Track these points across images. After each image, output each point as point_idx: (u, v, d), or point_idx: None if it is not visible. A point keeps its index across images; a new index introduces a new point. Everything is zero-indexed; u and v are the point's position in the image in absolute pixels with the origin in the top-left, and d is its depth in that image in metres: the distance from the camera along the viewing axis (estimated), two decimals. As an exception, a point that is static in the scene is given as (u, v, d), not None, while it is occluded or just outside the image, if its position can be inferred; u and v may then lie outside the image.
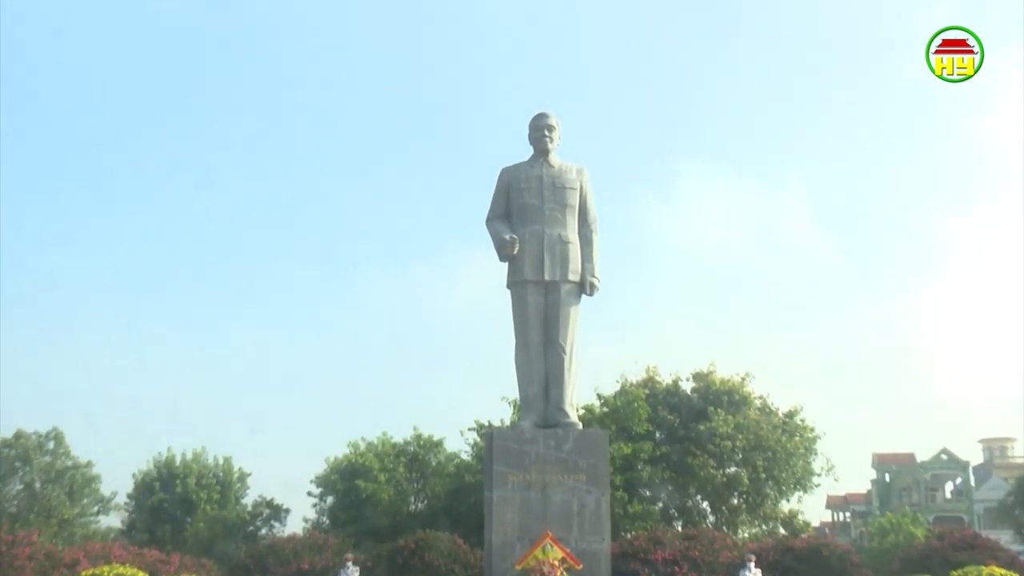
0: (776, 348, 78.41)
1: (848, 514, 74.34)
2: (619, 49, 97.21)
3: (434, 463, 37.78)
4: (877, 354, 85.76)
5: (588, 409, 31.47)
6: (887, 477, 69.28)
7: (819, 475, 35.09)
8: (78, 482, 44.30)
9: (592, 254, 12.48)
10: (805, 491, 35.00)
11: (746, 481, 32.68)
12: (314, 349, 77.15)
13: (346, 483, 36.85)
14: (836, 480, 36.96)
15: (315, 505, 40.14)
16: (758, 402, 35.27)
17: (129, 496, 45.41)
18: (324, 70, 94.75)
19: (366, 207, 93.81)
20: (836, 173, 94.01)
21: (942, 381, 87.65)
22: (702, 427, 32.72)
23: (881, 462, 68.74)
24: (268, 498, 43.20)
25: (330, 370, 75.59)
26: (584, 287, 12.37)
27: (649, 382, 35.36)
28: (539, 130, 12.65)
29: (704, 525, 31.13)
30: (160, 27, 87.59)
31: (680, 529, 27.06)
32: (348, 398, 72.44)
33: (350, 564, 20.82)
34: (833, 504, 72.16)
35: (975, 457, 69.81)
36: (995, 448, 69.13)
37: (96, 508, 45.56)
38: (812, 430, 35.08)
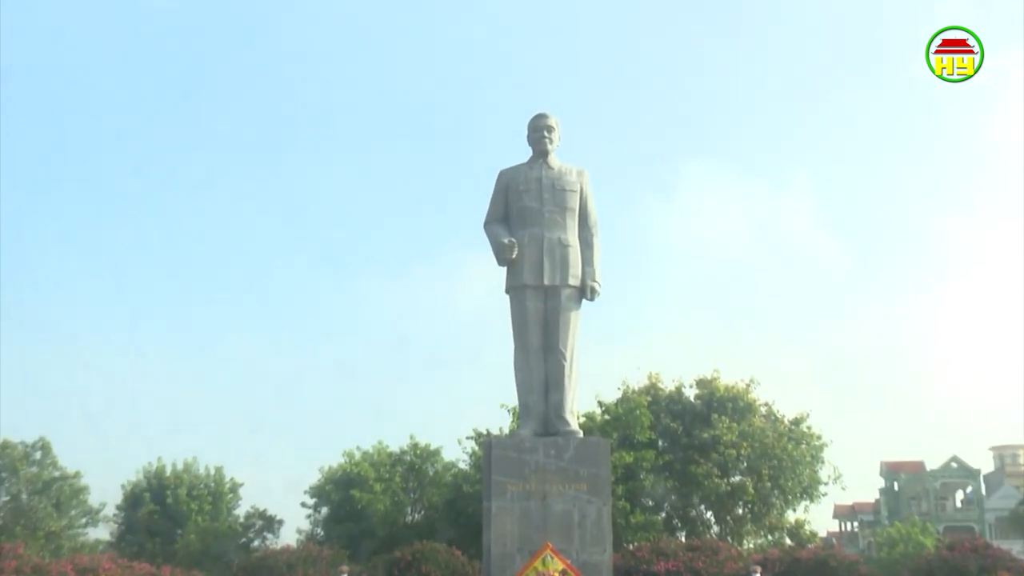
0: (782, 353, 78.47)
1: (856, 524, 74.28)
2: (619, 48, 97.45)
3: (431, 472, 37.76)
4: (885, 359, 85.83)
5: (589, 417, 31.45)
6: (896, 486, 69.25)
7: (826, 484, 35.13)
8: (66, 493, 44.18)
9: (593, 258, 12.47)
10: (812, 500, 35.01)
11: (751, 490, 32.66)
12: (307, 356, 77.12)
13: (341, 493, 36.83)
14: (843, 489, 37.04)
15: (309, 516, 40.21)
16: (763, 409, 35.28)
17: (118, 507, 45.33)
18: (323, 72, 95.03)
19: (364, 212, 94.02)
20: (842, 173, 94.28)
21: (952, 387, 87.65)
22: (706, 435, 32.71)
23: (890, 470, 68.69)
24: (261, 509, 43.22)
25: (324, 377, 75.70)
26: (585, 292, 12.36)
27: (651, 389, 35.34)
28: (538, 131, 12.65)
29: (708, 535, 31.09)
30: (160, 28, 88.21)
31: (683, 540, 27.01)
32: (343, 406, 72.42)
33: (345, 576, 20.77)
34: (840, 514, 72.08)
35: (986, 465, 69.79)
36: (1007, 456, 69.05)
37: (84, 520, 45.43)
38: (819, 438, 35.11)
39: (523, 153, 12.87)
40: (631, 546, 23.93)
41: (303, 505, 39.87)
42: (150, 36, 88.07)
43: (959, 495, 69.21)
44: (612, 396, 33.74)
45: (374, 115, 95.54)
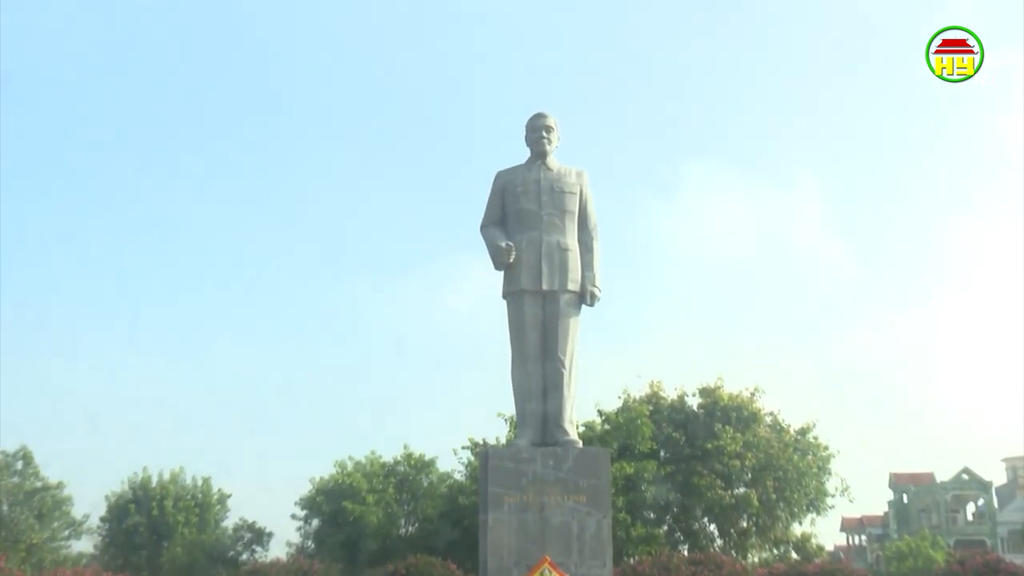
0: (788, 361, 78.55)
1: (864, 537, 74.32)
2: (620, 46, 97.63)
3: (426, 484, 37.78)
4: (894, 367, 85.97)
5: (589, 426, 31.47)
6: (905, 498, 69.28)
7: (833, 496, 35.17)
8: (48, 504, 44.09)
9: (592, 262, 12.44)
10: (818, 513, 35.05)
11: (756, 502, 32.66)
12: (298, 363, 77.10)
13: (332, 505, 36.78)
14: (851, 501, 36.96)
15: (299, 528, 40.13)
16: (768, 419, 35.30)
17: (102, 519, 45.27)
18: (323, 72, 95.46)
19: (358, 218, 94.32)
20: (850, 174, 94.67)
21: (964, 396, 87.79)
22: (709, 445, 32.71)
23: (899, 482, 68.73)
24: (249, 521, 43.15)
25: (315, 385, 75.53)
26: (584, 297, 12.33)
27: (653, 397, 35.36)
28: (536, 131, 12.61)
29: (712, 549, 31.10)
30: (161, 29, 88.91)
31: (686, 554, 27.00)
32: (335, 414, 72.33)
33: (336, 591, 20.78)
34: (848, 527, 72.10)
35: (998, 477, 69.85)
36: (1019, 467, 69.06)
37: (67, 532, 45.34)
38: (826, 448, 35.15)
39: (520, 154, 12.87)
40: (632, 560, 23.93)
41: (293, 517, 39.84)
42: (150, 37, 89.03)
43: (970, 508, 69.23)
44: (612, 405, 33.81)
45: (373, 115, 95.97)
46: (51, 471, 44.94)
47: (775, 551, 34.18)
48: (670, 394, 35.75)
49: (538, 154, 12.61)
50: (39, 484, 44.40)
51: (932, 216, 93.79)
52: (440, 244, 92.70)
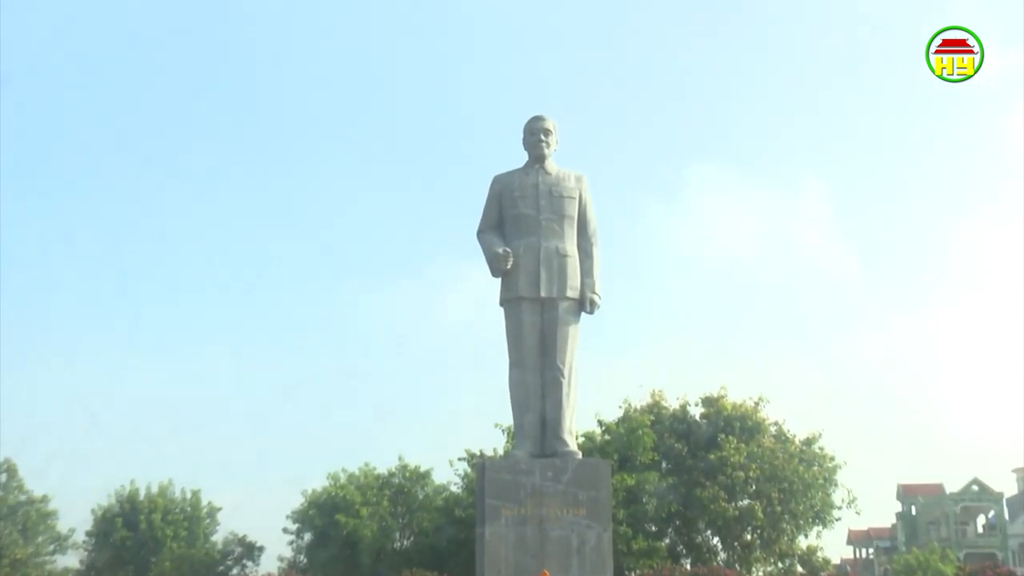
0: (793, 370, 78.48)
1: (871, 550, 74.28)
2: (620, 47, 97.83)
3: (421, 496, 37.72)
4: (902, 376, 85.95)
5: (588, 437, 31.46)
6: (913, 510, 69.25)
7: (840, 508, 35.11)
8: (32, 518, 44.06)
9: (592, 268, 12.41)
10: (824, 525, 34.98)
11: (760, 515, 32.62)
12: (290, 373, 76.97)
13: (325, 518, 36.72)
14: (858, 513, 36.89)
15: (291, 543, 40.08)
16: (773, 429, 35.27)
17: (88, 534, 45.17)
18: (323, 74, 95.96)
19: (352, 225, 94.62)
20: (854, 176, 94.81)
21: (973, 405, 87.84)
22: (712, 456, 32.69)
23: (907, 494, 68.70)
24: (240, 535, 43.11)
25: (308, 395, 75.38)
26: (584, 304, 12.31)
27: (654, 407, 35.34)
28: (535, 134, 12.59)
29: (715, 563, 31.04)
30: (161, 29, 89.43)
31: (689, 567, 27.01)
32: (327, 425, 72.22)
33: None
34: (855, 539, 72.10)
35: (1009, 488, 69.70)
36: (1030, 478, 69.14)
37: (52, 547, 45.34)
38: (832, 459, 35.09)
39: (518, 157, 12.86)
40: (633, 574, 23.91)
41: (285, 531, 39.76)
42: (150, 37, 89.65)
43: (980, 520, 69.16)
44: (613, 415, 33.81)
45: (374, 118, 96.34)
46: (36, 484, 44.98)
47: (780, 565, 34.13)
48: (672, 404, 35.78)
49: (536, 158, 12.59)
50: (23, 497, 44.39)
51: (942, 223, 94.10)
52: (437, 250, 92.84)
